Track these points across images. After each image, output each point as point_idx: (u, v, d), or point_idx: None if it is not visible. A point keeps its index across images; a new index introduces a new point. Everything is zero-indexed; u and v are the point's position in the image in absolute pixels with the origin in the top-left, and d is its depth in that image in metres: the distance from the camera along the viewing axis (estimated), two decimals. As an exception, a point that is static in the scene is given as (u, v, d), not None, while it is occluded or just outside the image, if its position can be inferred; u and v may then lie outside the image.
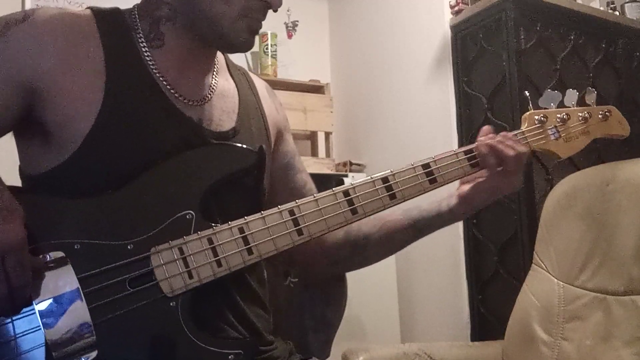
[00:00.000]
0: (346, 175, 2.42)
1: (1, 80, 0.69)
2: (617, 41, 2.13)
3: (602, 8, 2.17)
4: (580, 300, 1.30)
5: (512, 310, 1.45)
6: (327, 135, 2.79)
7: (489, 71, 1.93)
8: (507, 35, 1.84)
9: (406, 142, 2.35)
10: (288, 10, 2.86)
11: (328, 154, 2.78)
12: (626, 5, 2.23)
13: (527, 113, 0.95)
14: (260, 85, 0.97)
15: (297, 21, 2.87)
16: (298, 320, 0.99)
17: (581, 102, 1.00)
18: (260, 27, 0.80)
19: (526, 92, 1.02)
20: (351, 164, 2.59)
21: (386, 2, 2.53)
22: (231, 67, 0.93)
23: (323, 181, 2.41)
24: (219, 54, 0.91)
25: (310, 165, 2.58)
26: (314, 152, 2.79)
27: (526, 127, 0.93)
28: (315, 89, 2.78)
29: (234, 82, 0.91)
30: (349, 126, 2.78)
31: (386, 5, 2.53)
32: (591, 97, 1.00)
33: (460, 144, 2.04)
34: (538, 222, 1.49)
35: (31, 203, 0.63)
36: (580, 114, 0.97)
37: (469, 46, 2.03)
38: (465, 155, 0.86)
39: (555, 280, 1.37)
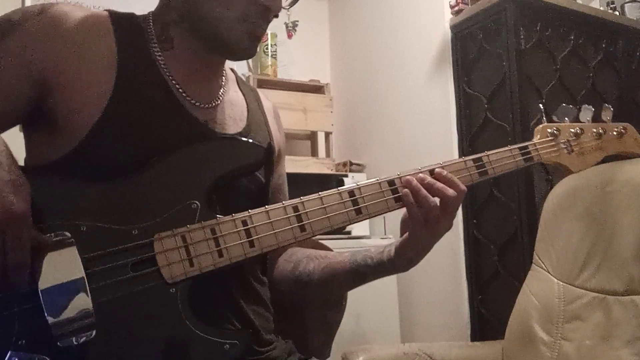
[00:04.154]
0: (346, 175, 2.42)
1: (14, 72, 0.71)
2: (617, 41, 2.13)
3: (602, 8, 2.17)
4: (580, 300, 1.30)
5: (512, 310, 1.45)
6: (327, 135, 2.79)
7: (489, 71, 1.93)
8: (507, 35, 1.84)
9: (406, 142, 2.35)
10: (288, 11, 2.85)
11: (328, 154, 2.78)
12: (626, 5, 2.24)
13: (541, 125, 0.94)
14: (267, 104, 0.98)
15: (297, 21, 2.87)
16: (298, 321, 0.99)
17: (597, 119, 0.99)
18: (263, 34, 0.80)
19: (540, 104, 1.02)
20: (351, 163, 2.59)
21: (386, 2, 2.54)
22: (241, 83, 0.95)
23: (323, 181, 2.41)
24: (229, 70, 0.93)
25: (310, 165, 2.58)
26: (314, 152, 2.79)
27: (538, 139, 0.92)
28: (315, 89, 2.78)
29: (243, 96, 0.92)
30: (349, 126, 2.79)
31: (386, 5, 2.53)
32: (607, 113, 1.00)
33: (460, 144, 2.04)
34: (538, 222, 1.49)
35: (40, 184, 0.64)
36: (595, 130, 0.97)
37: (469, 46, 2.03)
38: (475, 164, 0.85)
39: (555, 280, 1.37)
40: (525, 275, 1.47)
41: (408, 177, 0.78)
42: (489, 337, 1.67)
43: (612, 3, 2.21)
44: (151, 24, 0.82)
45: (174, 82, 0.79)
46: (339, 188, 0.77)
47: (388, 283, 2.22)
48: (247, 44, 0.79)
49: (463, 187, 0.79)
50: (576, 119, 0.97)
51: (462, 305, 2.00)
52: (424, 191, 0.77)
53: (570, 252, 1.36)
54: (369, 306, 2.02)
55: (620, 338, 1.18)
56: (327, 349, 1.02)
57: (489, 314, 1.91)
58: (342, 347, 1.39)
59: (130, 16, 0.83)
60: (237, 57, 0.83)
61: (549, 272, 1.39)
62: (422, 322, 2.22)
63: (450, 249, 2.03)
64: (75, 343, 0.60)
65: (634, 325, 1.17)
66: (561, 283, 1.35)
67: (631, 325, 1.18)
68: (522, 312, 1.41)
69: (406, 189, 0.77)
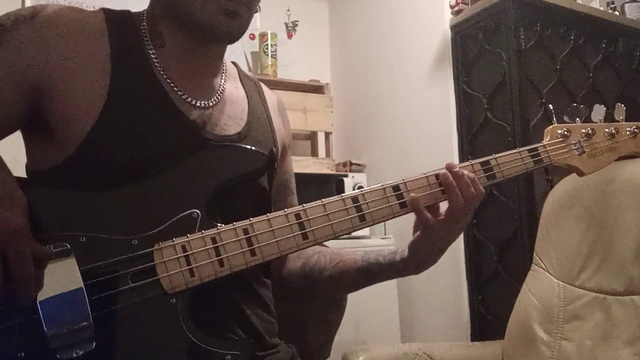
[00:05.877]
0: (346, 175, 2.41)
1: (8, 79, 0.70)
2: (617, 41, 2.13)
3: (602, 8, 2.17)
4: (580, 300, 1.30)
5: (512, 310, 1.45)
6: (327, 135, 2.79)
7: (489, 71, 1.93)
8: (507, 35, 1.84)
9: (406, 142, 2.35)
10: (288, 10, 2.86)
11: (328, 154, 2.78)
12: (626, 5, 2.24)
13: (551, 126, 0.91)
14: (271, 99, 0.96)
15: (297, 21, 2.87)
16: (298, 321, 0.99)
17: (610, 118, 0.96)
18: (239, 8, 0.76)
19: (550, 105, 0.99)
20: (351, 164, 2.59)
21: (386, 2, 2.54)
22: (243, 77, 0.93)
23: (323, 181, 2.41)
24: (230, 64, 0.91)
25: (310, 165, 2.58)
26: (314, 152, 2.79)
27: (548, 141, 0.89)
28: (315, 89, 2.78)
29: (245, 91, 0.90)
30: (349, 126, 2.78)
31: (386, 5, 2.53)
32: (620, 112, 0.97)
33: (460, 144, 2.04)
34: (538, 222, 1.49)
35: (38, 195, 0.63)
36: (607, 130, 0.93)
37: (469, 46, 2.03)
38: (482, 167, 0.83)
39: (555, 280, 1.37)
40: (525, 275, 1.47)
41: (448, 162, 0.79)
42: (489, 337, 1.66)
43: (612, 3, 2.21)
44: (144, 21, 0.80)
45: (168, 81, 0.77)
46: (342, 195, 0.75)
47: (388, 283, 2.20)
48: (223, 21, 0.75)
49: (482, 189, 0.79)
50: (588, 119, 0.94)
51: (462, 305, 2.00)
52: (466, 179, 0.77)
53: (570, 252, 1.36)
54: (369, 306, 2.02)
55: (620, 338, 1.18)
56: (327, 349, 1.02)
57: (489, 314, 1.91)
58: (342, 347, 1.39)
59: (126, 14, 0.81)
60: (219, 39, 0.80)
61: (549, 272, 1.39)
62: (422, 322, 2.22)
63: (450, 249, 2.00)
64: (75, 355, 0.60)
65: (634, 325, 1.17)
66: (561, 283, 1.35)
67: (631, 325, 1.18)
68: (522, 312, 1.41)
69: (446, 172, 0.77)
